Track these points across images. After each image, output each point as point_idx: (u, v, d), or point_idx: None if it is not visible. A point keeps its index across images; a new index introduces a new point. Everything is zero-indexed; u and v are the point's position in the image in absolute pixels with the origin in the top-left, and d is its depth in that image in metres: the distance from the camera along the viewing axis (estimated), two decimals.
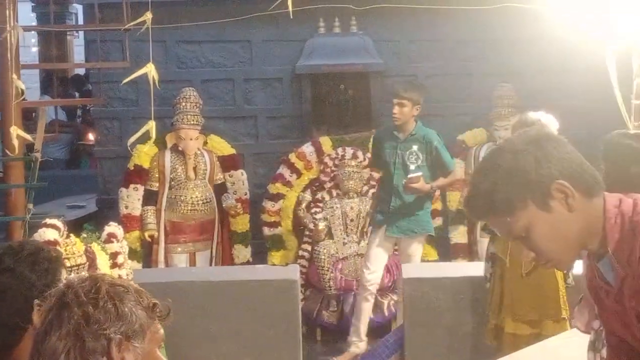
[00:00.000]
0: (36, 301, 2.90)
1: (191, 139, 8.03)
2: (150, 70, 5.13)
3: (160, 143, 8.10)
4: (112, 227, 5.55)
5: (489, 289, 6.16)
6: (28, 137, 6.64)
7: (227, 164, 8.36)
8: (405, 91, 7.27)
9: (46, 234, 4.92)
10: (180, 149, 8.07)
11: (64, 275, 4.67)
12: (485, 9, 6.68)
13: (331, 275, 7.89)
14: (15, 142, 6.57)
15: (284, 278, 6.83)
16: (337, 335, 7.81)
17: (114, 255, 5.46)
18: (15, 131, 6.57)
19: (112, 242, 5.49)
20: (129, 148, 7.60)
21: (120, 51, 8.51)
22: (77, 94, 14.10)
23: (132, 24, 6.05)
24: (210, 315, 6.68)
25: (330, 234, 8.13)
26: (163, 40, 8.66)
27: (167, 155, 8.12)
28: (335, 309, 7.82)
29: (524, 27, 8.39)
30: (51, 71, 11.45)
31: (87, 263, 5.15)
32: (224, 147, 8.43)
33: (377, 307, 7.82)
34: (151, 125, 5.13)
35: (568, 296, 5.93)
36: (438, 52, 9.00)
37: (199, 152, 8.16)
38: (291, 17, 5.02)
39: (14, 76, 6.75)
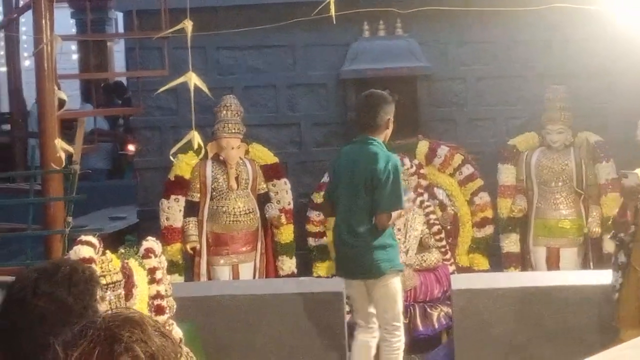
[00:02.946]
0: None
1: (233, 148, 7.89)
2: (190, 78, 4.93)
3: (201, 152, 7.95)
4: (150, 242, 5.37)
5: (617, 300, 5.89)
6: (70, 149, 6.56)
7: (270, 173, 8.18)
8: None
9: (81, 252, 4.78)
10: (221, 158, 7.92)
11: (99, 293, 4.54)
12: (536, 10, 6.45)
13: None
14: (62, 155, 6.50)
15: (329, 290, 6.73)
16: None
17: (152, 271, 5.28)
18: (60, 144, 6.49)
19: (150, 257, 5.31)
20: (171, 158, 7.46)
21: (159, 59, 8.39)
22: (119, 101, 14.02)
23: (169, 31, 5.89)
24: (254, 329, 6.59)
25: None
26: (203, 47, 8.49)
27: (209, 165, 7.96)
28: None
29: (576, 27, 8.21)
30: (91, 79, 11.37)
31: (124, 280, 4.99)
32: (267, 156, 8.25)
33: (426, 319, 7.64)
34: (193, 135, 4.93)
35: None
36: (488, 54, 8.79)
37: (241, 161, 8.00)
38: (334, 22, 4.81)
39: (55, 87, 6.69)
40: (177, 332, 5.02)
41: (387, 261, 6.32)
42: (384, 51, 8.58)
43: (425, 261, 7.86)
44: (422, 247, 7.94)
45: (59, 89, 6.98)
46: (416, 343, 7.61)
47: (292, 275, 8.11)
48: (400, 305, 6.47)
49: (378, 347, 6.58)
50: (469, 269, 8.10)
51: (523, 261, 8.29)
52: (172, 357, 1.95)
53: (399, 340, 6.46)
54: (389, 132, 6.48)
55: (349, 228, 6.35)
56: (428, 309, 7.70)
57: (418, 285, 7.77)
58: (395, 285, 6.41)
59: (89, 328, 1.94)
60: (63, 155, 6.56)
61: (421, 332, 7.62)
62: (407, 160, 8.05)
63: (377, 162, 6.19)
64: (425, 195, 8.08)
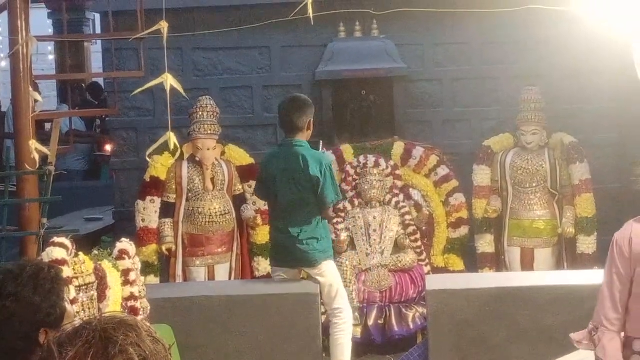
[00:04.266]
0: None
1: (209, 149, 7.88)
2: (166, 79, 4.94)
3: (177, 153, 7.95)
4: (124, 244, 5.39)
5: None
6: (45, 150, 6.54)
7: (246, 174, 8.16)
8: None
9: (54, 253, 4.79)
10: (197, 159, 7.91)
11: (69, 292, 4.54)
12: (511, 11, 6.49)
13: (354, 287, 7.68)
14: (36, 156, 6.49)
15: (304, 291, 6.72)
16: (361, 349, 7.60)
17: (125, 272, 5.30)
18: (34, 145, 6.47)
19: (123, 258, 5.32)
20: (147, 159, 7.47)
21: (135, 60, 8.38)
22: (95, 102, 13.98)
23: (145, 32, 5.88)
24: (229, 330, 6.59)
25: (352, 245, 7.94)
26: (179, 48, 8.50)
27: (184, 166, 7.95)
28: (359, 322, 7.59)
29: (550, 29, 8.25)
30: (68, 80, 11.33)
31: (97, 282, 5.00)
32: (243, 157, 8.25)
33: (401, 319, 7.66)
34: (169, 136, 4.94)
35: None
36: (463, 55, 8.82)
37: (216, 162, 8.00)
38: (312, 23, 4.83)
39: (30, 88, 6.67)
40: None
41: (321, 251, 6.74)
42: (359, 52, 8.59)
43: (400, 262, 7.88)
44: (398, 247, 7.96)
45: (36, 90, 6.96)
46: (391, 343, 7.64)
47: (268, 276, 8.07)
48: (339, 289, 6.83)
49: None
50: (444, 270, 8.11)
51: (498, 262, 8.33)
52: None
53: (344, 322, 6.78)
54: (309, 132, 6.81)
55: (287, 222, 6.73)
56: (403, 310, 7.71)
57: (393, 285, 7.79)
58: (331, 271, 6.83)
59: (84, 329, 1.96)
60: (37, 157, 6.54)
61: (396, 333, 7.64)
62: (382, 161, 8.08)
63: (314, 165, 6.60)
64: (401, 196, 8.10)
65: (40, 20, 14.16)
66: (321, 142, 7.17)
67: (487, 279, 7.33)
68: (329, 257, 6.81)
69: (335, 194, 6.71)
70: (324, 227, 6.83)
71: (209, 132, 7.89)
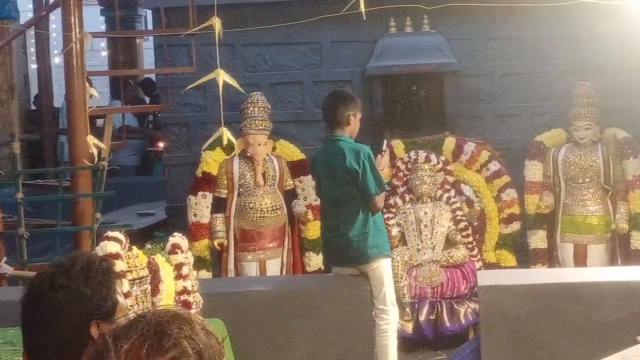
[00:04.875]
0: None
1: (260, 145, 7.91)
2: (219, 75, 4.95)
3: (229, 149, 7.98)
4: (177, 238, 5.41)
5: None
6: (103, 145, 6.60)
7: (297, 169, 8.18)
8: None
9: (108, 247, 4.82)
10: (248, 154, 7.94)
11: (123, 285, 4.58)
12: (563, 5, 6.44)
13: (405, 282, 7.67)
14: (94, 151, 6.55)
15: (356, 286, 6.69)
16: (412, 345, 7.60)
17: (178, 267, 5.32)
18: (92, 140, 6.54)
19: (176, 253, 5.35)
20: (203, 154, 7.51)
21: (187, 56, 8.42)
22: (147, 99, 14.09)
23: (197, 28, 5.90)
24: (280, 325, 6.58)
25: (403, 241, 7.93)
26: (230, 44, 8.53)
27: (236, 161, 7.99)
28: (410, 317, 7.60)
29: (603, 22, 8.17)
30: (120, 76, 11.44)
31: (150, 275, 5.03)
32: (294, 152, 8.27)
33: (453, 315, 7.64)
34: (222, 131, 4.96)
35: None
36: (514, 50, 8.76)
37: (267, 157, 8.03)
38: (364, 18, 4.83)
39: (86, 84, 6.75)
40: None
41: (374, 247, 6.53)
42: (410, 47, 8.57)
43: (452, 257, 7.86)
44: (449, 243, 7.95)
45: (91, 85, 7.04)
46: (443, 339, 7.63)
47: (319, 271, 8.11)
48: (388, 291, 6.62)
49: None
50: (495, 265, 8.09)
51: (550, 258, 8.27)
52: (217, 355, 1.99)
53: (387, 324, 6.60)
54: (353, 127, 6.65)
55: (336, 220, 6.60)
56: (455, 305, 7.70)
57: (445, 281, 7.77)
58: (383, 270, 6.60)
59: (139, 322, 1.97)
60: (95, 152, 6.61)
61: (448, 329, 7.63)
62: (433, 157, 8.07)
63: (351, 157, 6.42)
64: (452, 192, 8.08)
65: (93, 17, 14.29)
66: (385, 141, 7.10)
67: (539, 275, 7.27)
68: (383, 253, 6.60)
69: (377, 185, 6.44)
70: (376, 221, 6.62)
71: (260, 127, 7.93)
